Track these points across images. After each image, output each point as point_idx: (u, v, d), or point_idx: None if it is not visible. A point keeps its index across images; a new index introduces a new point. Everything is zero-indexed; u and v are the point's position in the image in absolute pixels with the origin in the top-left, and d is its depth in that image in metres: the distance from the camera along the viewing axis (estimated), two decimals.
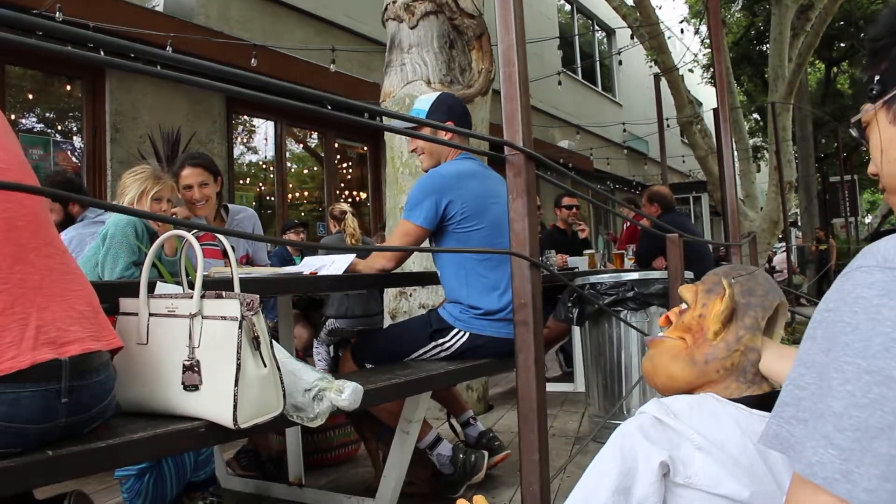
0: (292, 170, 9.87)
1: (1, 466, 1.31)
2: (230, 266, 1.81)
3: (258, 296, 1.70)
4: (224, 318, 1.66)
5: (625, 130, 14.68)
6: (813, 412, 0.68)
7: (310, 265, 2.87)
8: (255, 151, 9.28)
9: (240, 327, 1.63)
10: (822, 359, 0.69)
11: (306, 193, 10.12)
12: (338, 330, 4.74)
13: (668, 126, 9.35)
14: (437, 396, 3.17)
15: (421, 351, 2.72)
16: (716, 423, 1.17)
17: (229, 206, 3.70)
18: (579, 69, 15.63)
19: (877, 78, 0.85)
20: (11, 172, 1.46)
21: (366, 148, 10.39)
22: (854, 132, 0.93)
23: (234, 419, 1.60)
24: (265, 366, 1.68)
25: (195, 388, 1.64)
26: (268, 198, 9.32)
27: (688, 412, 1.19)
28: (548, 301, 4.43)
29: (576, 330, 5.04)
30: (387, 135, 4.52)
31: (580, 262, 5.15)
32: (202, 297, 1.69)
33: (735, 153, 12.17)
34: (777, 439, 0.71)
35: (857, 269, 0.70)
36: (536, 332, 1.80)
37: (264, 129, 9.13)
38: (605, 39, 18.09)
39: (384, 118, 4.29)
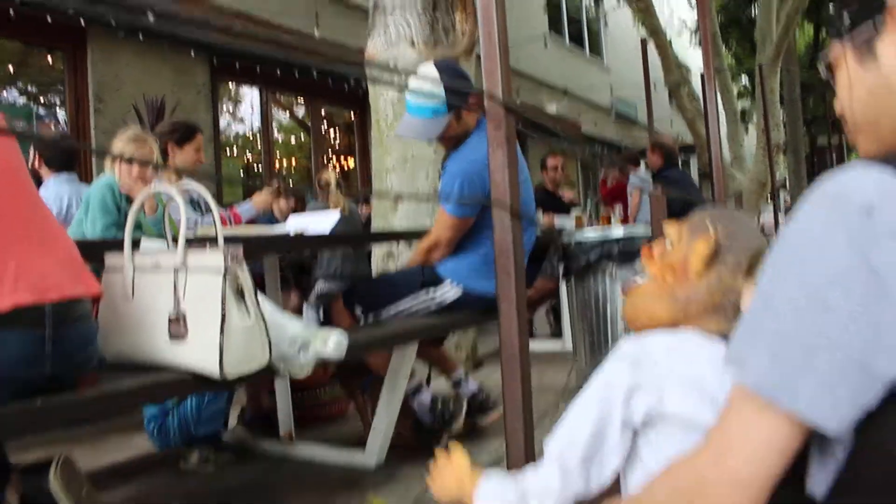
0: (279, 139, 9.82)
1: None
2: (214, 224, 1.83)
3: (241, 247, 1.72)
4: (208, 269, 1.68)
5: (612, 94, 14.65)
6: (762, 335, 0.72)
7: (295, 226, 2.89)
8: (241, 121, 9.22)
9: (224, 278, 1.65)
10: (773, 287, 0.73)
11: (294, 162, 10.08)
12: (327, 293, 4.76)
13: (654, 89, 9.33)
14: (427, 356, 3.19)
15: (411, 298, 2.73)
16: (694, 359, 1.19)
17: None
18: (566, 33, 15.53)
19: (846, 15, 0.87)
20: None
21: (353, 114, 10.33)
22: (823, 72, 0.95)
23: (221, 368, 1.62)
24: (250, 316, 1.70)
25: (181, 338, 1.67)
26: (255, 167, 9.29)
27: (666, 351, 1.22)
28: (535, 261, 4.47)
29: (564, 290, 5.09)
30: (371, 96, 4.51)
31: (567, 222, 5.18)
32: (186, 250, 1.71)
33: (723, 115, 12.17)
34: (730, 361, 0.75)
35: (805, 204, 0.74)
36: (518, 282, 1.83)
37: (249, 98, 9.07)
38: (592, 3, 17.95)
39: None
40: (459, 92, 2.67)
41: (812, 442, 0.75)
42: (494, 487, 1.24)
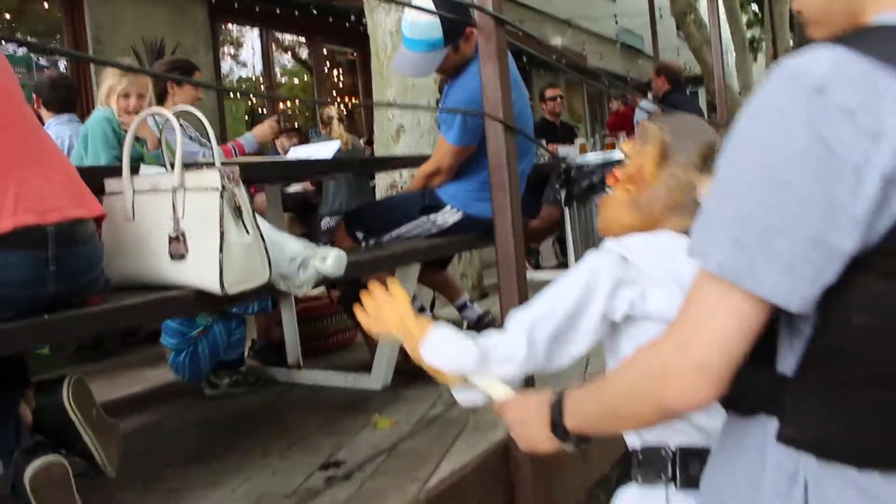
0: (282, 81, 9.75)
1: (3, 329, 1.37)
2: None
3: (238, 168, 1.74)
4: (206, 188, 1.70)
5: (616, 23, 14.40)
6: (721, 220, 0.73)
7: (296, 156, 2.91)
8: (243, 64, 9.15)
9: (221, 196, 1.68)
10: (730, 172, 0.74)
11: (297, 103, 10.02)
12: (332, 228, 4.81)
13: (660, 17, 9.16)
14: (431, 282, 3.22)
15: (412, 224, 2.74)
16: (672, 256, 1.22)
17: None
18: None
19: None
20: None
21: (354, 53, 10.22)
22: None
23: (221, 284, 1.66)
24: (248, 233, 1.73)
25: (182, 257, 1.70)
26: (260, 110, 9.24)
27: (645, 248, 1.25)
28: (538, 191, 4.48)
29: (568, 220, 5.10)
30: (370, 28, 4.46)
31: (571, 151, 5.16)
32: (183, 171, 1.74)
33: (731, 44, 11.96)
34: (692, 250, 0.77)
35: (760, 88, 0.74)
36: (512, 194, 1.85)
37: (250, 39, 8.97)
38: None
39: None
40: (456, 21, 2.63)
41: (780, 323, 0.77)
42: (447, 343, 1.21)
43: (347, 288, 3.13)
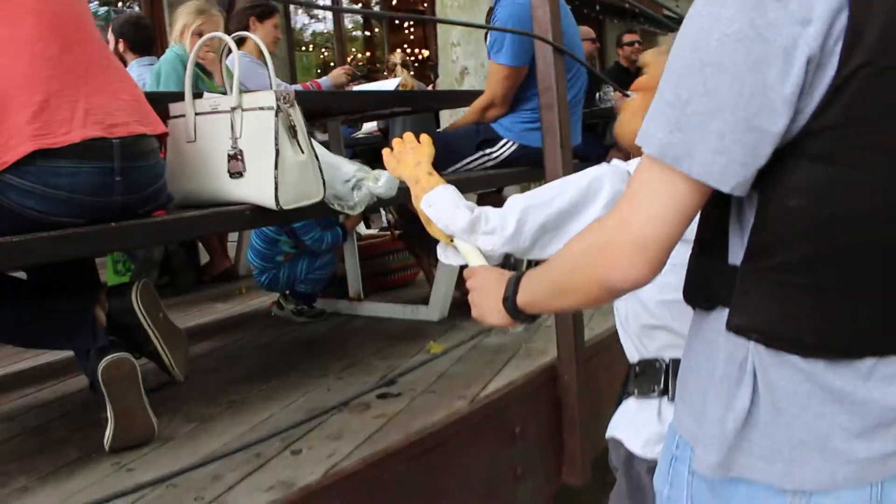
0: (352, 33, 9.82)
1: (71, 232, 1.48)
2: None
3: (293, 89, 1.80)
4: (262, 108, 1.77)
5: None
6: (663, 105, 0.76)
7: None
8: (313, 14, 9.22)
9: (276, 116, 1.74)
10: (674, 59, 0.77)
11: (368, 54, 10.08)
12: None
13: None
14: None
15: (468, 160, 2.77)
16: None
17: None
18: None
19: None
20: None
21: (426, 4, 10.19)
22: None
23: (276, 200, 1.73)
24: (303, 152, 1.79)
25: (240, 175, 1.78)
26: (331, 64, 9.34)
27: None
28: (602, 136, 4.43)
29: None
30: None
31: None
32: (241, 92, 1.80)
33: None
34: (640, 133, 0.79)
35: None
36: (561, 116, 1.86)
37: None
38: None
39: None
40: None
41: (731, 214, 0.80)
42: (447, 200, 1.27)
43: (409, 228, 3.20)
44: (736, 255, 0.79)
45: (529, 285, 0.99)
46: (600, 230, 0.82)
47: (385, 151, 1.45)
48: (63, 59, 1.52)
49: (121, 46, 3.89)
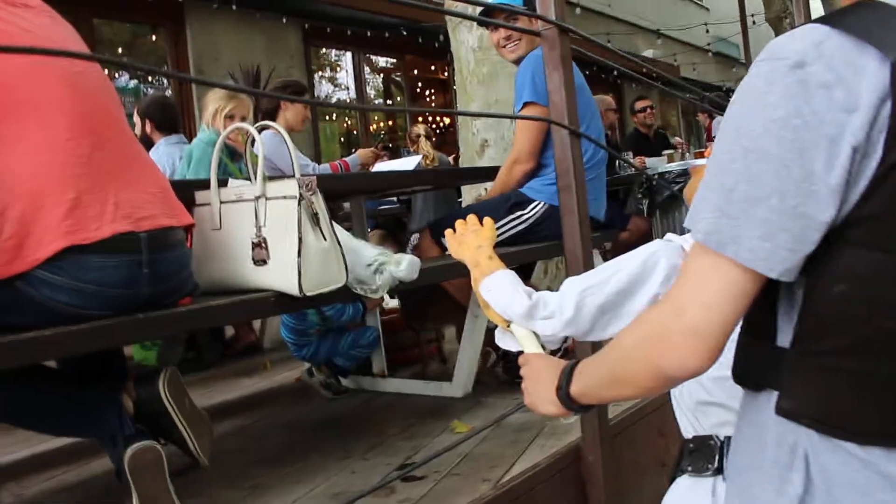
0: (374, 101, 10.01)
1: (100, 325, 1.51)
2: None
3: (315, 177, 1.84)
4: (285, 197, 1.81)
5: (707, 31, 14.12)
6: (710, 190, 0.77)
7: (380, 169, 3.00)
8: (336, 84, 9.44)
9: (299, 204, 1.78)
10: (720, 144, 0.78)
11: (390, 122, 10.26)
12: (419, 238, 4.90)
13: (753, 24, 8.93)
14: None
15: (500, 223, 2.71)
16: None
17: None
18: None
19: None
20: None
21: (446, 73, 10.41)
22: None
23: (300, 287, 1.76)
24: (325, 239, 1.83)
25: (263, 262, 1.81)
26: (353, 133, 9.52)
27: None
28: (621, 201, 4.45)
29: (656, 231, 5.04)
30: (453, 45, 4.56)
31: (658, 163, 5.11)
32: (265, 181, 1.85)
33: None
34: (688, 218, 0.80)
35: (753, 64, 0.78)
36: (579, 196, 1.88)
37: (342, 61, 9.27)
38: None
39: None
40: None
41: (780, 296, 0.80)
42: (506, 286, 1.27)
43: (410, 300, 3.22)
44: (785, 338, 0.79)
45: (583, 375, 0.98)
46: (653, 319, 0.82)
47: (448, 233, 1.47)
48: (94, 157, 1.57)
49: (148, 127, 4.04)
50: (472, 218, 1.47)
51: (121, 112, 1.77)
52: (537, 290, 1.28)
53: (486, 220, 1.45)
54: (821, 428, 0.75)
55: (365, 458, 2.26)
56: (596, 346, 1.96)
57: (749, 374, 0.84)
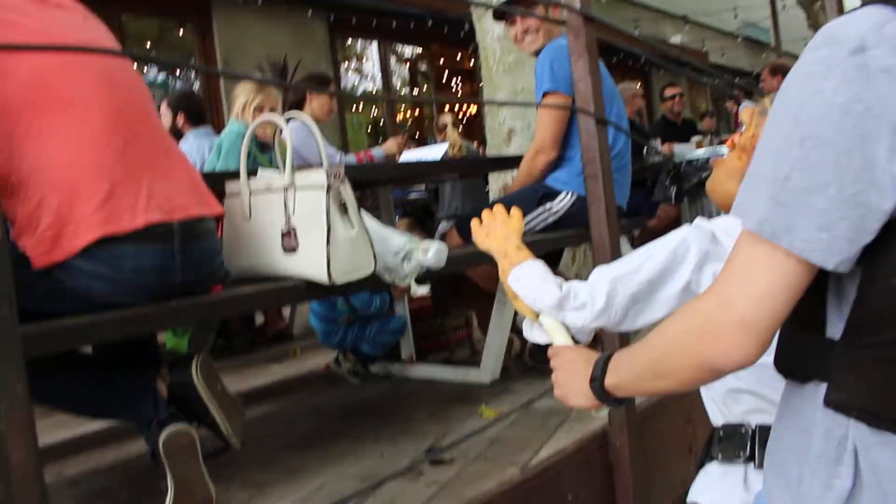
0: (401, 91, 10.03)
1: (136, 312, 1.55)
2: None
3: (343, 166, 1.87)
4: (313, 186, 1.84)
5: (736, 16, 13.91)
6: (762, 178, 0.75)
7: (407, 159, 3.03)
8: (362, 74, 9.47)
9: (327, 193, 1.81)
10: (773, 132, 0.75)
11: (416, 112, 10.27)
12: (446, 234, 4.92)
13: (784, 7, 8.80)
14: None
15: (530, 216, 2.72)
16: None
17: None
18: None
19: None
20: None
21: (472, 62, 10.39)
22: None
23: (329, 275, 1.79)
24: (354, 228, 1.85)
25: (293, 250, 1.84)
26: (380, 122, 9.55)
27: (735, 229, 1.26)
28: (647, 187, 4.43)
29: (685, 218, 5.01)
30: (478, 34, 4.56)
31: (686, 149, 5.08)
32: (294, 171, 1.88)
33: None
34: (736, 209, 0.78)
35: (808, 49, 0.75)
36: (606, 185, 1.89)
37: (368, 52, 9.30)
38: None
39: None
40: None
41: (829, 288, 0.77)
42: (535, 277, 1.24)
43: (439, 288, 3.25)
44: (835, 329, 0.76)
45: (619, 367, 0.96)
46: (699, 310, 0.80)
47: (474, 223, 1.45)
48: (127, 149, 1.61)
49: (179, 120, 4.13)
50: (499, 208, 1.44)
51: (152, 106, 1.82)
52: (566, 278, 1.27)
53: (514, 210, 1.42)
54: (873, 421, 0.73)
55: (393, 442, 2.29)
56: (623, 336, 1.97)
57: (796, 365, 0.82)
